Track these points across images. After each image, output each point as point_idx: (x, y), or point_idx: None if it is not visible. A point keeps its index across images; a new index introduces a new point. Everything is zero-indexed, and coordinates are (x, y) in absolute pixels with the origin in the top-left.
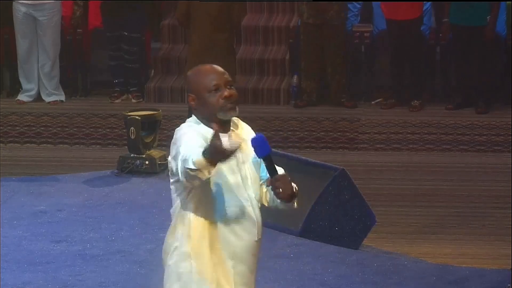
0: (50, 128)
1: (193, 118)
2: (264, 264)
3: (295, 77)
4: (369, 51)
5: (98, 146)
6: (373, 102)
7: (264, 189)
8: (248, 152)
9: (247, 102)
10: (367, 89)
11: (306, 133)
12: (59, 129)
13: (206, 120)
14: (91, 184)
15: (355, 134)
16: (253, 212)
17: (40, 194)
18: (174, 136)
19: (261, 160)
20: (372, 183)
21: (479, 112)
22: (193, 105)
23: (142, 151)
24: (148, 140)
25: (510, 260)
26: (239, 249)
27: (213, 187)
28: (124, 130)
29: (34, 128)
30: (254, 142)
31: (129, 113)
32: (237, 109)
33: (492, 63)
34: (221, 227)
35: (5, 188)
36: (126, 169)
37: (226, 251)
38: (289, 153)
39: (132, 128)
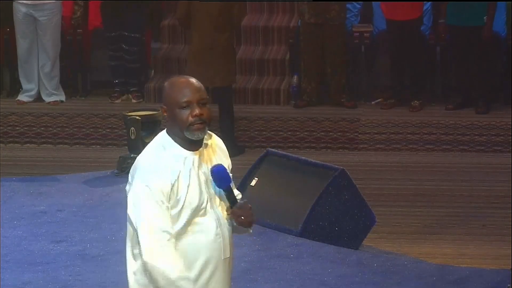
0: (50, 128)
1: (165, 136)
2: (264, 264)
3: (295, 77)
4: (369, 51)
5: (98, 146)
6: (373, 102)
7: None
8: None
9: (247, 102)
10: (367, 89)
11: (306, 133)
12: (59, 129)
13: (177, 136)
14: (91, 184)
15: (355, 134)
16: (221, 229)
17: (40, 194)
18: (134, 170)
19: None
20: (372, 183)
21: (479, 112)
22: (166, 118)
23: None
24: (148, 140)
25: (510, 260)
26: (208, 268)
27: (178, 210)
28: (124, 130)
29: (34, 128)
30: (214, 174)
31: (129, 113)
32: (206, 129)
33: (492, 63)
34: (185, 247)
35: (5, 188)
36: (126, 169)
37: (193, 270)
38: (289, 153)
39: (132, 128)
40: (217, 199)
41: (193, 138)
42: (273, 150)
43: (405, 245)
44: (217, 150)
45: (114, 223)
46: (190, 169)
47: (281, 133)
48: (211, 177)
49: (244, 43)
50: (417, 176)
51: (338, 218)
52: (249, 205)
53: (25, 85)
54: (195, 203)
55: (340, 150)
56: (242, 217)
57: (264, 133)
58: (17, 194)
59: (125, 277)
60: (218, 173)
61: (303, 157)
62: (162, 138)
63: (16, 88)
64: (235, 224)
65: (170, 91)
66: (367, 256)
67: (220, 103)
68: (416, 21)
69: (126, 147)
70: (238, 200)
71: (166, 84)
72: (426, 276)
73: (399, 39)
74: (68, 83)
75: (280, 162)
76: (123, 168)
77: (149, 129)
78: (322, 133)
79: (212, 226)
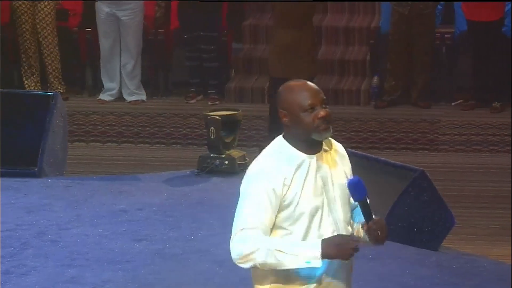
0: (131, 128)
1: (281, 140)
2: None
3: (376, 78)
4: (450, 52)
5: (178, 145)
6: (453, 104)
7: (356, 226)
8: (339, 174)
9: (327, 103)
10: (448, 90)
11: (385, 134)
12: (140, 128)
13: (297, 139)
14: (171, 184)
15: (435, 135)
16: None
17: (121, 193)
18: (244, 179)
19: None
20: (452, 184)
21: None
22: (286, 122)
23: (222, 151)
24: (228, 140)
25: None
26: (329, 274)
27: (290, 213)
28: (204, 130)
29: (115, 128)
30: (350, 185)
31: (210, 113)
32: (331, 129)
33: None
34: None
35: (87, 187)
36: (206, 169)
37: (312, 277)
38: (368, 154)
39: (212, 128)
40: (337, 203)
41: (321, 139)
42: (353, 150)
43: (485, 247)
44: (336, 155)
45: (194, 223)
46: (307, 173)
47: (361, 133)
48: (331, 181)
49: (325, 43)
50: (497, 177)
51: (417, 219)
52: (384, 222)
53: (106, 84)
54: (309, 207)
55: (420, 151)
56: (379, 232)
57: (344, 133)
58: (97, 192)
59: (203, 277)
60: (352, 186)
61: (383, 158)
62: (278, 143)
63: (98, 87)
64: (367, 240)
65: (289, 95)
66: (447, 258)
67: None
68: (498, 22)
69: (206, 146)
70: (373, 215)
71: (282, 89)
72: (506, 278)
73: (481, 40)
74: (149, 83)
75: (360, 162)
76: (203, 168)
77: (229, 129)
78: (402, 134)
79: (328, 231)
